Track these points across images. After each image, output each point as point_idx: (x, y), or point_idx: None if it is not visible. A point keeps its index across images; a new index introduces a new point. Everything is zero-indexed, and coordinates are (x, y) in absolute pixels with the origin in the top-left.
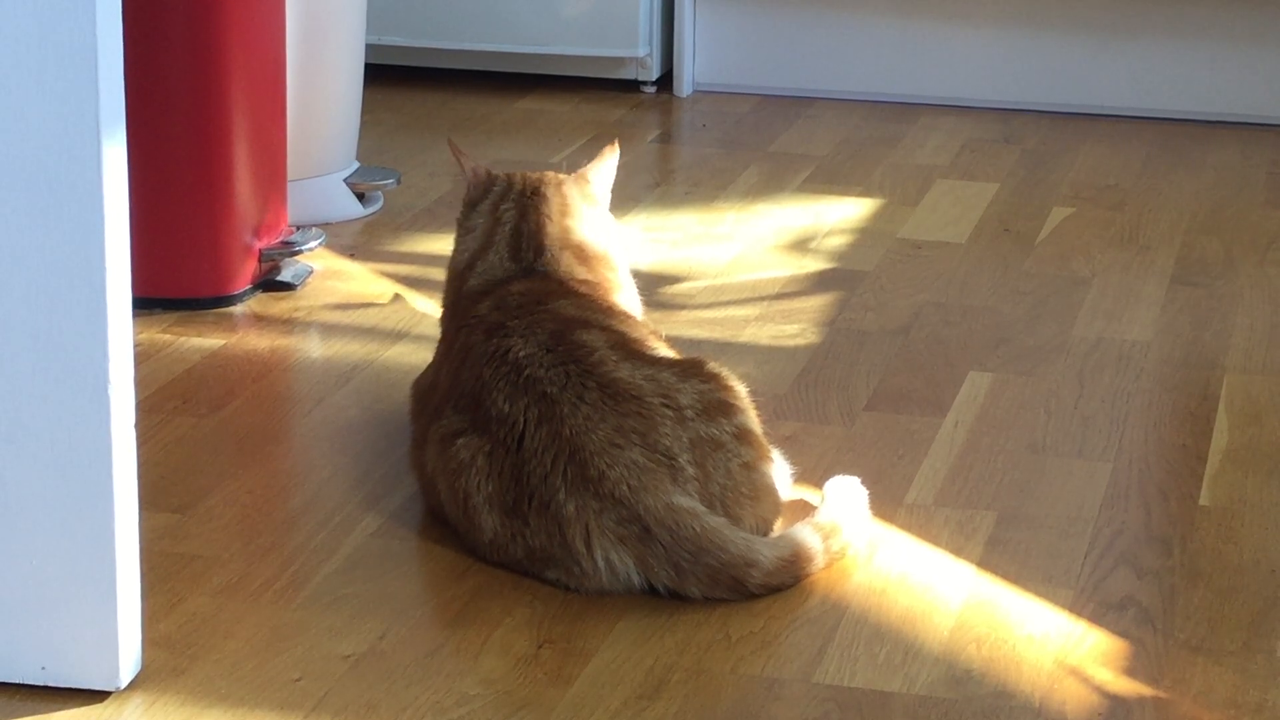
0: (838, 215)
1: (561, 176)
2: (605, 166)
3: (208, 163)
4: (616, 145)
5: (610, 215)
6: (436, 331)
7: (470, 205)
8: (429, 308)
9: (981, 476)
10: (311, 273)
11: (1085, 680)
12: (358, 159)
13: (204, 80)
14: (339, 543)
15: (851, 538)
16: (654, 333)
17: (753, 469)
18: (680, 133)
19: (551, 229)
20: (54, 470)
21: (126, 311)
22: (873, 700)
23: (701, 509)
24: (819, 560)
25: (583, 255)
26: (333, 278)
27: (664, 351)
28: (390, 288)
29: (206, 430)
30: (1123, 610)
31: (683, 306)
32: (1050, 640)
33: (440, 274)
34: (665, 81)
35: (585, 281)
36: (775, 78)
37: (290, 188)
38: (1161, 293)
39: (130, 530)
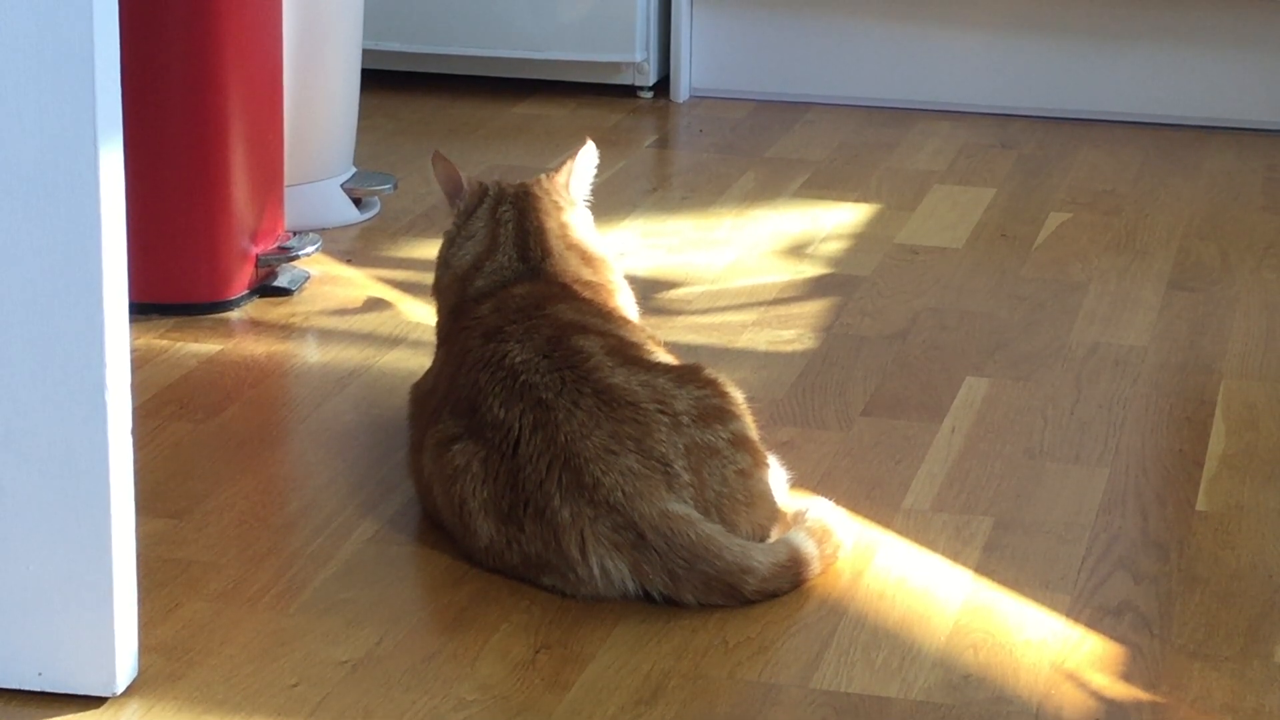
0: (835, 220)
1: (539, 179)
2: (577, 166)
3: (205, 168)
4: (590, 143)
5: (590, 217)
6: (433, 336)
7: (466, 214)
8: (426, 313)
9: (978, 482)
10: (308, 278)
11: (1083, 685)
12: (355, 164)
13: (201, 85)
14: (336, 548)
15: (843, 539)
16: (652, 337)
17: (749, 475)
18: (677, 138)
19: (551, 225)
20: (51, 475)
21: (123, 317)
22: (870, 705)
23: (696, 516)
24: (815, 565)
25: (586, 256)
26: (329, 283)
27: (661, 357)
28: (387, 293)
29: (203, 435)
30: (1120, 615)
31: (679, 312)
32: (1048, 645)
33: None
34: (662, 87)
35: (589, 284)
36: (772, 83)
37: (287, 193)
38: (1158, 298)
39: (127, 536)
